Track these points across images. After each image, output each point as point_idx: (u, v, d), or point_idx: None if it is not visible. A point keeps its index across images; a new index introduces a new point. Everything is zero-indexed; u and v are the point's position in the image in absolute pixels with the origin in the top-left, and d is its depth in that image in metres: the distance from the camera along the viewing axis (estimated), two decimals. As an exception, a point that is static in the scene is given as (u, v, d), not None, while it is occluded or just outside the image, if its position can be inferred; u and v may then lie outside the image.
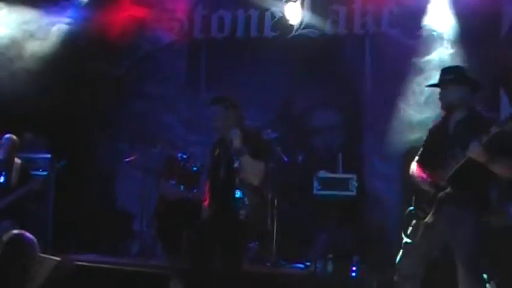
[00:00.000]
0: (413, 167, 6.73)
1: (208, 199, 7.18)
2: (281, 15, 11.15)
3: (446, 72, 6.58)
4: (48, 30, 11.01)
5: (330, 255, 9.36)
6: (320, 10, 11.05)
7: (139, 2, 11.27)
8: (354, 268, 9.18)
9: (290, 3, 11.05)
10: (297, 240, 10.13)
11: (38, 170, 10.11)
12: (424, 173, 6.53)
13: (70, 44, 11.05)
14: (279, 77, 11.01)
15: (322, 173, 10.15)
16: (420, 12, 10.42)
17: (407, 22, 10.68)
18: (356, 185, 10.00)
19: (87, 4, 11.09)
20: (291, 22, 11.08)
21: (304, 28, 11.13)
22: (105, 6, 11.16)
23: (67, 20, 11.04)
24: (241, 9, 11.35)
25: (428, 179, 6.45)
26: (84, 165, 11.00)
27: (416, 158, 6.78)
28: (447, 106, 6.51)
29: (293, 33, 11.16)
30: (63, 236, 10.32)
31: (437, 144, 6.55)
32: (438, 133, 6.63)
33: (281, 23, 11.17)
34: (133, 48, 11.52)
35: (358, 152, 10.88)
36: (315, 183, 10.07)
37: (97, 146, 11.38)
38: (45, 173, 10.09)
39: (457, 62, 9.62)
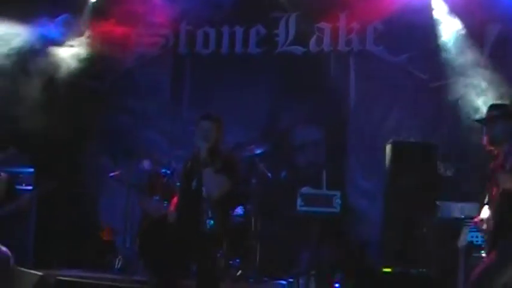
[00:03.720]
0: None
1: (176, 208, 7.47)
2: (266, 31, 11.19)
3: (494, 108, 6.68)
4: (31, 46, 10.98)
5: (313, 272, 9.36)
6: (305, 27, 11.09)
7: (124, 17, 11.26)
8: (337, 285, 9.18)
9: (274, 20, 11.10)
10: (279, 256, 10.13)
11: (21, 184, 10.05)
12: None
13: (54, 59, 11.02)
14: (263, 93, 11.05)
15: (306, 190, 10.13)
16: (404, 30, 10.49)
17: (392, 40, 10.76)
18: (339, 201, 10.00)
19: (71, 20, 11.07)
20: (275, 39, 11.11)
21: (289, 45, 11.18)
22: (90, 22, 11.15)
23: (50, 36, 11.01)
24: (226, 26, 11.39)
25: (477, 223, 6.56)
26: (68, 180, 10.95)
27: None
28: (495, 141, 6.57)
29: (278, 49, 11.20)
30: (45, 250, 10.27)
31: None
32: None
33: (266, 40, 11.22)
34: (117, 64, 11.50)
35: (342, 168, 10.91)
36: (299, 200, 10.05)
37: (80, 161, 11.34)
38: (29, 187, 10.04)
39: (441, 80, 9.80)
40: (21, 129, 10.50)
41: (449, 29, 10.37)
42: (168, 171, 10.08)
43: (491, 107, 6.76)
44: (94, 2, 11.18)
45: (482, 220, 6.60)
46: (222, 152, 7.27)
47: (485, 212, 6.62)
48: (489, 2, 9.96)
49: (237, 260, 9.64)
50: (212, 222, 6.93)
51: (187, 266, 7.24)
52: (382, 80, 10.75)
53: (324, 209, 9.97)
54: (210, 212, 6.96)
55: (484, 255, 6.58)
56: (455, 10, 10.33)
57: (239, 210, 9.83)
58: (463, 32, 10.26)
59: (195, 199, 7.06)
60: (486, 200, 6.66)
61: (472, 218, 7.10)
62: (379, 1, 10.42)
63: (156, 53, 11.59)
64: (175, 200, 7.59)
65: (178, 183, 9.89)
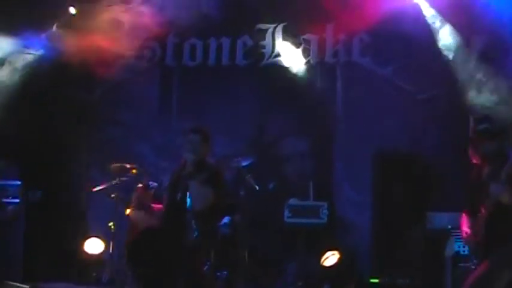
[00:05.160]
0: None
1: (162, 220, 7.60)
2: (253, 43, 11.22)
3: (481, 123, 6.71)
4: (20, 57, 10.98)
5: (300, 283, 9.37)
6: (292, 39, 11.12)
7: (112, 29, 11.25)
8: (325, 296, 9.21)
9: (261, 32, 11.13)
10: (267, 267, 10.13)
11: (8, 197, 10.04)
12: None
13: (42, 71, 11.02)
14: (250, 104, 11.07)
15: (293, 201, 10.17)
16: (391, 41, 10.53)
17: (378, 51, 10.80)
18: (327, 212, 10.03)
19: (60, 31, 11.07)
20: (262, 50, 11.14)
21: (275, 56, 11.21)
22: (78, 33, 11.14)
23: (38, 47, 11.01)
24: (213, 38, 11.40)
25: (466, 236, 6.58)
26: (55, 193, 10.94)
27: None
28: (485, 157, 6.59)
29: (265, 61, 11.23)
30: (33, 263, 10.24)
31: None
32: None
33: (253, 51, 11.25)
34: (105, 76, 11.49)
35: (329, 179, 10.92)
36: (286, 211, 10.10)
37: (68, 173, 11.31)
38: (16, 200, 10.03)
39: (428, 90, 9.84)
40: (9, 142, 10.50)
41: (437, 39, 10.39)
42: (155, 183, 10.08)
43: (478, 122, 6.77)
44: (77, 14, 11.13)
45: (470, 232, 6.61)
46: (208, 165, 7.32)
47: (468, 223, 6.64)
48: (476, 13, 9.98)
49: (225, 272, 9.63)
50: (196, 233, 6.99)
51: (174, 277, 7.25)
52: (368, 91, 10.77)
53: (311, 220, 10.01)
54: (193, 224, 7.04)
55: (472, 266, 6.60)
56: (442, 21, 10.37)
57: (226, 220, 9.83)
58: (451, 42, 10.31)
59: (179, 211, 7.11)
60: (470, 210, 6.68)
61: (458, 227, 7.13)
62: (365, 12, 10.43)
63: (143, 65, 11.58)
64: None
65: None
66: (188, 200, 7.11)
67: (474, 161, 6.67)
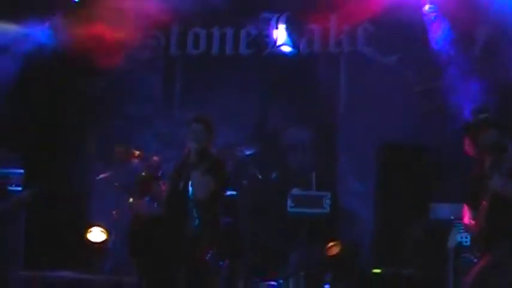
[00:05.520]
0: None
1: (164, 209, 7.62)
2: (256, 32, 11.20)
3: (479, 114, 6.72)
4: (23, 47, 10.97)
5: (303, 273, 9.37)
6: (295, 28, 11.10)
7: (115, 18, 11.23)
8: (327, 286, 9.19)
9: (265, 21, 11.11)
10: (269, 257, 10.14)
11: (11, 185, 10.05)
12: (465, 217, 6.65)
13: (46, 61, 11.01)
14: (254, 94, 11.07)
15: (296, 191, 10.16)
16: (395, 31, 10.49)
17: (382, 41, 10.77)
18: (329, 202, 10.01)
19: (63, 20, 11.05)
20: (266, 40, 11.13)
21: (279, 46, 11.19)
22: (82, 24, 11.12)
23: (41, 35, 11.00)
24: (217, 27, 11.39)
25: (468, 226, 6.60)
26: (58, 182, 10.95)
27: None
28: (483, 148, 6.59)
29: (268, 50, 11.21)
30: (35, 252, 10.26)
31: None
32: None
33: (256, 41, 11.23)
34: (108, 66, 11.47)
35: (332, 169, 10.92)
36: (289, 201, 10.07)
37: (71, 163, 11.32)
38: (18, 188, 10.03)
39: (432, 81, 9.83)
40: (12, 131, 10.52)
41: (440, 30, 10.36)
42: (159, 173, 10.09)
43: (477, 114, 6.79)
44: (80, 2, 11.11)
45: (472, 223, 6.62)
46: (210, 154, 7.35)
47: (470, 213, 6.64)
48: (479, 3, 9.95)
49: (227, 261, 9.64)
50: (197, 222, 7.03)
51: (176, 266, 7.28)
52: (372, 81, 10.73)
53: (314, 210, 10.00)
54: (195, 212, 7.09)
55: (475, 260, 6.60)
56: (445, 11, 10.34)
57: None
58: (454, 33, 10.28)
59: (181, 200, 7.14)
60: (471, 202, 6.68)
61: (461, 218, 7.13)
62: (369, 2, 10.41)
63: (146, 55, 11.56)
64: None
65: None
66: (190, 189, 7.14)
67: (470, 153, 6.67)
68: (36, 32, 10.95)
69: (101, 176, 10.42)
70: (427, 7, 10.34)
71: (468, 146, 6.69)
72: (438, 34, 10.28)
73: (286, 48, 11.15)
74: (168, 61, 11.74)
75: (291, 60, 11.11)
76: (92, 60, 11.04)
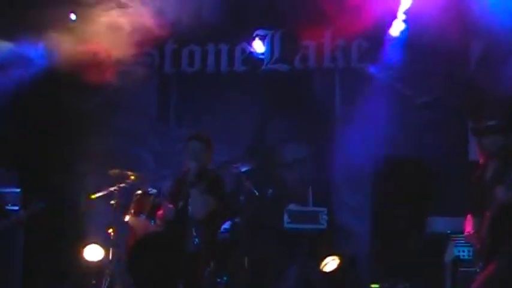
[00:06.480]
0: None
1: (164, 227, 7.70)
2: (251, 49, 11.22)
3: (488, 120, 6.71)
4: (18, 65, 10.97)
5: (300, 289, 9.37)
6: (290, 44, 11.13)
7: (109, 35, 11.24)
8: (325, 301, 9.19)
9: (260, 38, 11.14)
10: (267, 273, 10.12)
11: (7, 204, 10.03)
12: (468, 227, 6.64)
13: (41, 79, 11.00)
14: (249, 110, 11.08)
15: (292, 206, 10.17)
16: (389, 46, 10.53)
17: (377, 56, 10.79)
18: (326, 218, 10.02)
19: (58, 37, 11.06)
20: (261, 56, 11.15)
21: (274, 62, 11.21)
22: (77, 41, 11.13)
23: (36, 53, 11.01)
24: (212, 44, 11.40)
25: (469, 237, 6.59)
26: (54, 200, 10.92)
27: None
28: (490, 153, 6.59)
29: (263, 67, 11.23)
30: (33, 271, 10.23)
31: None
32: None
33: (251, 58, 11.25)
34: (103, 82, 11.47)
35: (328, 185, 10.91)
36: (285, 217, 10.08)
37: (67, 181, 11.29)
38: (15, 207, 10.01)
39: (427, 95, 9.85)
40: (7, 149, 10.50)
41: (433, 44, 10.40)
42: (154, 190, 10.07)
43: (485, 119, 6.76)
44: (74, 21, 11.12)
45: (473, 233, 6.61)
46: (209, 172, 7.33)
47: (472, 224, 6.64)
48: (473, 18, 9.99)
49: (225, 278, 9.62)
50: (197, 241, 7.00)
51: (175, 284, 7.27)
52: (367, 96, 10.75)
53: (311, 226, 10.00)
54: (194, 231, 7.02)
55: (477, 270, 6.59)
56: (439, 26, 10.37)
57: (227, 225, 9.82)
58: (448, 47, 10.31)
59: (180, 219, 7.12)
60: (473, 212, 6.67)
61: (457, 232, 7.13)
62: (363, 17, 10.44)
63: (141, 72, 11.56)
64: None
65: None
66: (189, 208, 7.12)
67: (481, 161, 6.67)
68: (31, 50, 10.96)
69: (97, 194, 10.38)
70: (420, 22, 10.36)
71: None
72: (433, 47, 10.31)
73: (281, 65, 11.16)
74: (163, 78, 11.72)
75: (286, 76, 11.12)
76: (87, 78, 11.04)
